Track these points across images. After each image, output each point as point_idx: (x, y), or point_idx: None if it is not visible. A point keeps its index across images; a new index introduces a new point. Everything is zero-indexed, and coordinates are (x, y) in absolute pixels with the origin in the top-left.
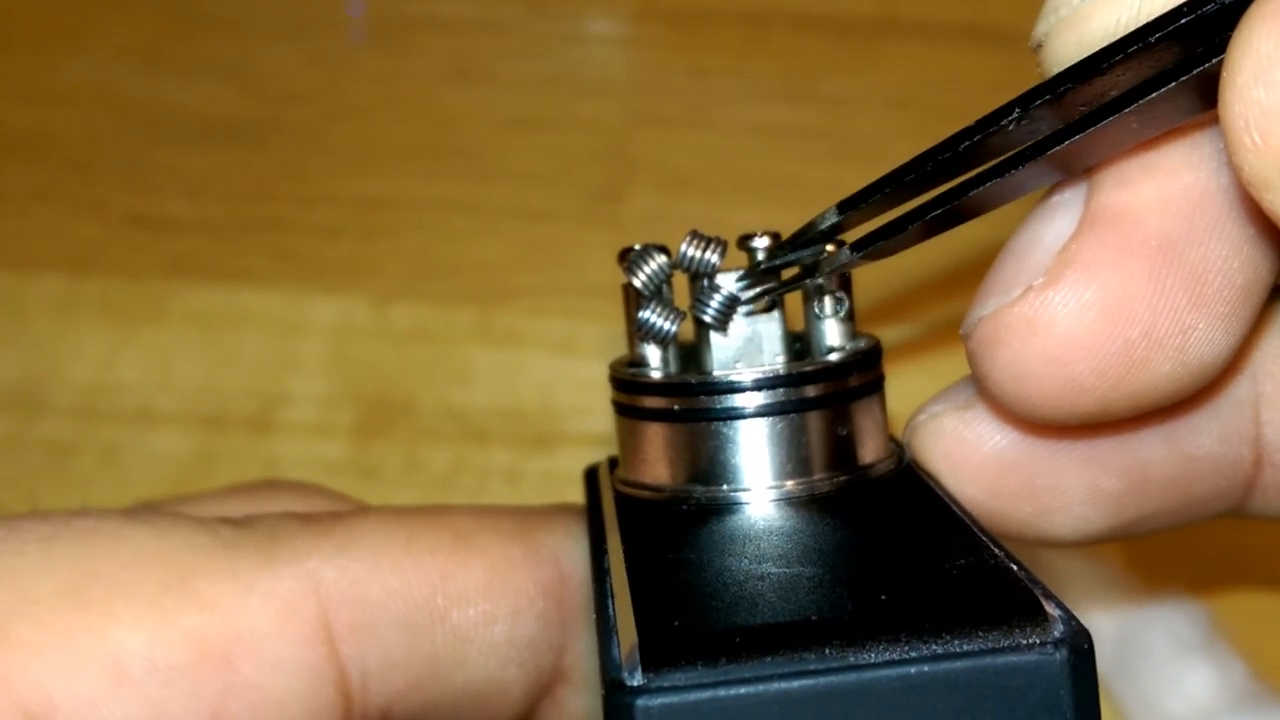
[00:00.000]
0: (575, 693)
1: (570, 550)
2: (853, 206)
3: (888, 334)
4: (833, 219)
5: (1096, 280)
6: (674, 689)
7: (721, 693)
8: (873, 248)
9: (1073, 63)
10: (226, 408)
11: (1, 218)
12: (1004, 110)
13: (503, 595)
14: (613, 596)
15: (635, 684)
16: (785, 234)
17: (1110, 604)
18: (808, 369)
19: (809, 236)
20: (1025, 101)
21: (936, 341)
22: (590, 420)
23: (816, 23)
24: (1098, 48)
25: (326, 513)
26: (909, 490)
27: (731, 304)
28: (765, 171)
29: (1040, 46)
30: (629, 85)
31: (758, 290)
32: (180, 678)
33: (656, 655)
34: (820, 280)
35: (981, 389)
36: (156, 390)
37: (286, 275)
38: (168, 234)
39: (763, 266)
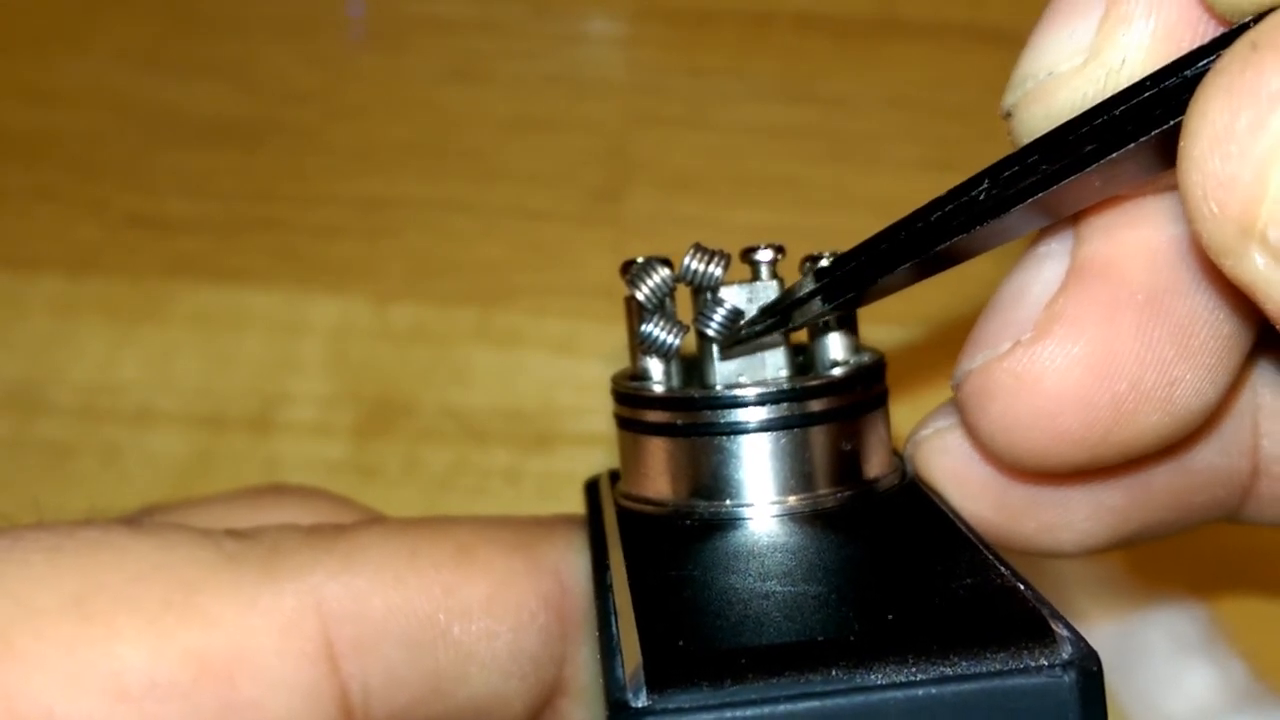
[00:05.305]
0: (574, 704)
1: (571, 562)
2: (829, 275)
3: (890, 340)
4: (809, 286)
5: (1084, 335)
6: (679, 710)
7: (727, 714)
8: (845, 299)
9: (1041, 134)
10: (226, 408)
11: (1, 218)
12: (974, 181)
13: (505, 609)
14: (616, 614)
15: (640, 705)
16: (786, 236)
17: (1110, 605)
18: (811, 383)
19: (786, 304)
20: (995, 172)
21: (940, 351)
22: (590, 420)
23: (816, 23)
24: (1064, 119)
25: (329, 525)
26: (914, 506)
27: (735, 317)
28: (765, 171)
29: (1009, 116)
30: (629, 85)
31: (732, 343)
32: (180, 696)
33: (661, 676)
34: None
35: (972, 437)
36: (156, 390)
37: (286, 275)
38: (168, 234)
39: (743, 333)
